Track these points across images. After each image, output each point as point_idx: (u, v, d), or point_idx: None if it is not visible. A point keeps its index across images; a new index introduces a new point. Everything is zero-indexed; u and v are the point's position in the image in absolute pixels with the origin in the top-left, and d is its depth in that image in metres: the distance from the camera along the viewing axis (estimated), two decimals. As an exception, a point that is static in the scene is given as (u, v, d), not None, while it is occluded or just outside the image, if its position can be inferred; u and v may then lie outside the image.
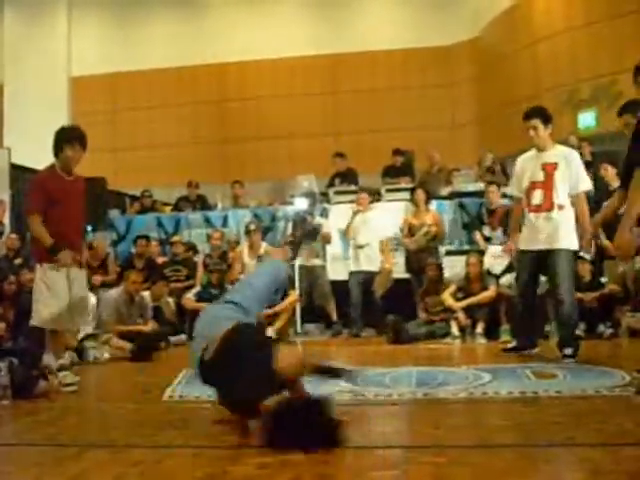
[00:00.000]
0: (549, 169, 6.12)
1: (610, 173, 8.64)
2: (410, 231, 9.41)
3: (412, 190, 9.84)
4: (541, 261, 6.21)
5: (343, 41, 16.16)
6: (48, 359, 5.71)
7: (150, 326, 8.21)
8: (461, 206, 10.24)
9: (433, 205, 9.89)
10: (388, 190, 10.73)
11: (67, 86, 17.59)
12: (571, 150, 6.52)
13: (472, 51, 16.06)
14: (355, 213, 9.55)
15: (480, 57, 15.89)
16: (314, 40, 16.32)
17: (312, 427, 3.33)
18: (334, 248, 9.98)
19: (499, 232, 9.02)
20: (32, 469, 3.27)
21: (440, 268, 8.97)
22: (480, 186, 10.08)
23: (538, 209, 6.14)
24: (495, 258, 8.77)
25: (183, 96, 16.95)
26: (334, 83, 16.50)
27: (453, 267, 9.12)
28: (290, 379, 3.68)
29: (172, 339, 8.65)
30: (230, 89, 16.94)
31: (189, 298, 8.98)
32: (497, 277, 8.53)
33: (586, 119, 13.40)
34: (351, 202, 9.98)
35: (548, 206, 6.08)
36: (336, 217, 10.10)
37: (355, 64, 16.31)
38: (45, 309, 5.47)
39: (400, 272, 9.64)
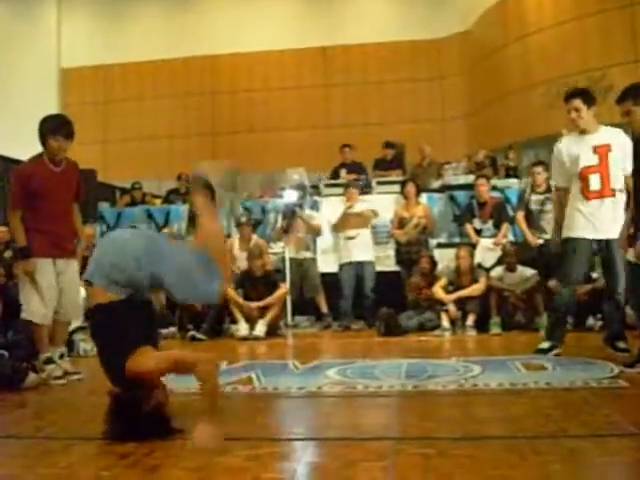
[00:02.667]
0: (602, 152, 5.69)
1: None
2: (400, 223, 9.42)
3: (402, 183, 9.84)
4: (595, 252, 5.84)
5: (334, 34, 16.13)
6: (56, 353, 5.71)
7: (140, 319, 8.18)
8: (452, 199, 10.25)
9: (424, 198, 9.90)
10: (379, 183, 10.73)
11: (57, 78, 17.51)
12: (619, 130, 5.90)
13: (463, 44, 16.06)
14: (346, 209, 9.55)
15: (471, 50, 15.89)
16: (305, 33, 16.29)
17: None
18: (324, 240, 9.98)
19: (490, 224, 9.04)
20: (20, 461, 3.27)
21: (433, 260, 8.95)
22: (471, 179, 10.07)
23: (599, 195, 5.70)
24: (486, 251, 8.79)
25: (174, 88, 16.90)
26: (325, 76, 16.48)
27: (443, 260, 9.12)
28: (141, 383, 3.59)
29: (162, 331, 8.63)
30: (221, 81, 16.90)
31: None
32: (487, 270, 8.55)
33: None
34: (342, 195, 9.98)
35: (609, 191, 5.68)
36: (327, 210, 10.10)
37: (346, 57, 16.29)
38: (32, 303, 5.43)
39: (390, 265, 9.65)
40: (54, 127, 5.52)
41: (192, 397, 4.63)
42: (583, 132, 5.78)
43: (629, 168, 5.52)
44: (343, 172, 11.46)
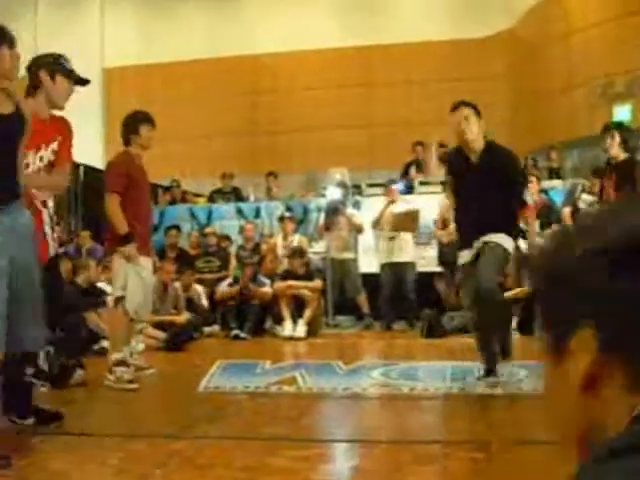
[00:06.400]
0: None
1: None
2: (444, 224, 9.34)
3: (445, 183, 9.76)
4: None
5: (377, 33, 16.03)
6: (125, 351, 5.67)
7: (184, 317, 8.23)
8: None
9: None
10: (421, 183, 10.66)
11: (101, 77, 17.68)
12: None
13: (506, 43, 15.89)
14: (387, 205, 9.48)
15: (514, 49, 15.72)
16: (348, 32, 16.22)
17: None
18: (366, 240, 9.95)
19: (536, 226, 8.90)
20: (69, 457, 3.30)
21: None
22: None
23: None
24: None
25: (215, 87, 16.93)
26: (367, 75, 16.40)
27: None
28: None
29: (205, 330, 8.69)
30: (263, 81, 16.91)
31: (222, 290, 9.01)
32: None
33: (621, 113, 13.22)
34: (384, 195, 9.95)
35: None
36: (368, 209, 10.06)
37: (389, 56, 16.17)
38: (137, 298, 5.34)
39: (433, 265, 9.58)
40: (145, 117, 5.68)
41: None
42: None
43: None
44: (413, 170, 11.29)
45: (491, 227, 4.76)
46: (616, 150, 5.95)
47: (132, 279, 5.33)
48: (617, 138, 5.93)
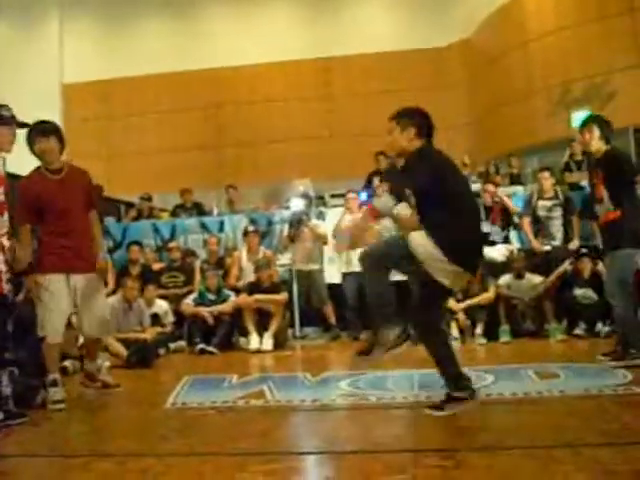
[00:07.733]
0: None
1: None
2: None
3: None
4: None
5: (336, 45, 16.13)
6: (91, 366, 5.70)
7: (149, 333, 8.16)
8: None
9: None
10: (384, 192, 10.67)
11: (60, 93, 17.54)
12: None
13: (464, 52, 16.06)
14: (344, 214, 9.47)
15: (472, 58, 15.89)
16: (307, 44, 16.29)
17: None
18: (331, 251, 9.97)
19: (497, 228, 8.97)
20: (38, 480, 3.26)
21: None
22: (477, 187, 10.01)
23: None
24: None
25: (177, 102, 16.90)
26: (328, 86, 16.48)
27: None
28: None
29: (171, 346, 8.62)
30: (224, 94, 16.88)
31: (187, 304, 8.95)
32: (496, 277, 8.50)
33: (579, 119, 13.35)
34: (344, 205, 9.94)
35: None
36: (332, 220, 10.07)
37: (349, 67, 16.28)
38: (43, 319, 5.26)
39: (397, 274, 9.55)
40: (29, 134, 5.37)
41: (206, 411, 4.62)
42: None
43: None
44: (376, 180, 11.29)
45: None
46: (597, 144, 5.69)
47: (40, 310, 5.29)
48: (596, 132, 5.67)
